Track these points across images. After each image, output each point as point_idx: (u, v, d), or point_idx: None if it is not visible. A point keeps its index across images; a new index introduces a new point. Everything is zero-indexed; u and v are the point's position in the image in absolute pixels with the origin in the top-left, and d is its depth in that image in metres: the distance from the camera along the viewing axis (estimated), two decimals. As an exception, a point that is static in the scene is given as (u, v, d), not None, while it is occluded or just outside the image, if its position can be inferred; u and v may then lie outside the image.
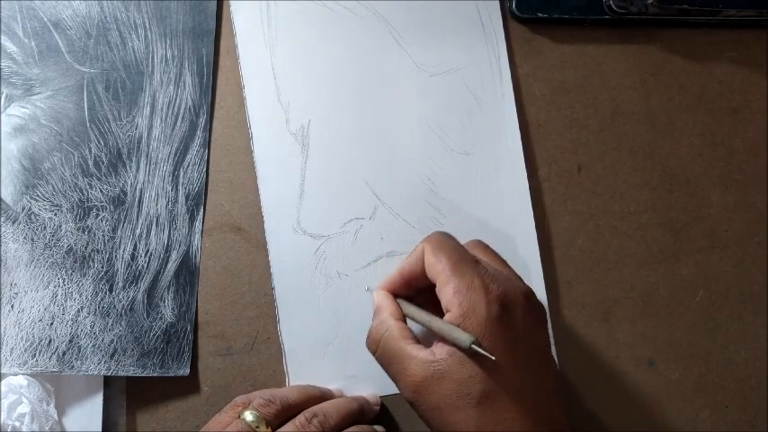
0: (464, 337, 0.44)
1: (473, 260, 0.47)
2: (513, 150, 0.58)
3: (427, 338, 0.47)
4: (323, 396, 0.52)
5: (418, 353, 0.46)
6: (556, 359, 0.56)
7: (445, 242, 0.48)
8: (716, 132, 0.61)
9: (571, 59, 0.60)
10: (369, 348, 0.49)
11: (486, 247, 0.52)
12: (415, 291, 0.50)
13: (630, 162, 0.59)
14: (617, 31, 0.61)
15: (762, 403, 0.58)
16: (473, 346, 0.43)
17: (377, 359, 0.49)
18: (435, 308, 0.48)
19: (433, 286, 0.48)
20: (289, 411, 0.49)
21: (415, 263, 0.49)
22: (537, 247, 0.57)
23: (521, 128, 0.58)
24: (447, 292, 0.46)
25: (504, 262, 0.51)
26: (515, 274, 0.50)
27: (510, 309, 0.45)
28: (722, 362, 0.58)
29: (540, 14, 0.59)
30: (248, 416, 0.47)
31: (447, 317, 0.45)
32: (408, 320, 0.49)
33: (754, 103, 0.61)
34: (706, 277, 0.59)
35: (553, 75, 0.60)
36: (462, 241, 0.50)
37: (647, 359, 0.57)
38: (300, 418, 0.48)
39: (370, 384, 0.54)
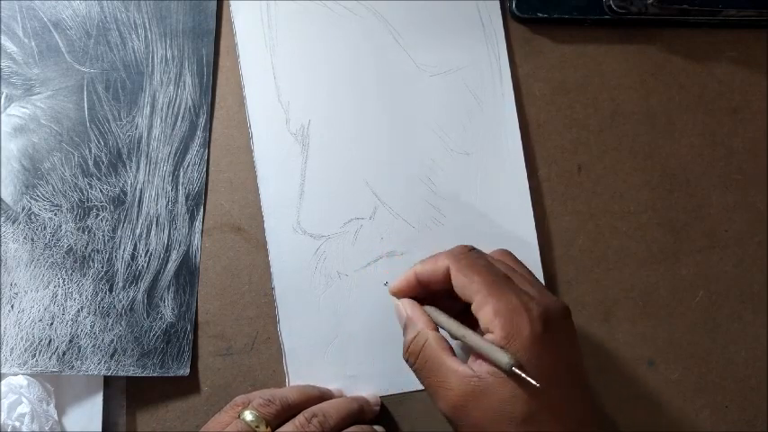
0: (505, 360, 0.43)
1: (506, 278, 0.47)
2: (514, 150, 0.58)
3: (456, 347, 0.47)
4: (323, 396, 0.52)
5: (458, 367, 0.45)
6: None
7: (474, 260, 0.48)
8: (716, 132, 0.61)
9: (571, 59, 0.60)
10: (407, 361, 0.48)
11: (514, 258, 0.51)
12: (429, 294, 0.50)
13: (630, 162, 0.59)
14: (617, 31, 0.61)
15: (762, 403, 0.58)
16: (514, 369, 0.42)
17: (415, 371, 0.48)
18: (450, 314, 0.47)
19: (443, 293, 0.47)
20: (288, 411, 0.49)
21: (438, 273, 0.48)
22: (537, 248, 0.57)
23: (521, 128, 0.58)
24: (487, 313, 0.45)
25: (530, 272, 0.50)
26: (545, 288, 0.49)
27: (552, 327, 0.44)
28: (722, 362, 0.58)
29: (540, 14, 0.59)
30: (248, 416, 0.47)
31: (489, 337, 0.44)
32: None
33: (754, 103, 0.61)
34: (706, 277, 0.59)
35: (553, 75, 0.60)
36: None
37: (647, 359, 0.57)
38: (300, 418, 0.48)
39: (370, 384, 0.54)
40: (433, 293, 0.49)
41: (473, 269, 0.47)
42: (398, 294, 0.50)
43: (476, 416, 0.44)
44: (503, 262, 0.49)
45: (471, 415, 0.44)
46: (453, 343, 0.47)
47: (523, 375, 0.42)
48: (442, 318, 0.48)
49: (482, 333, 0.45)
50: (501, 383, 0.43)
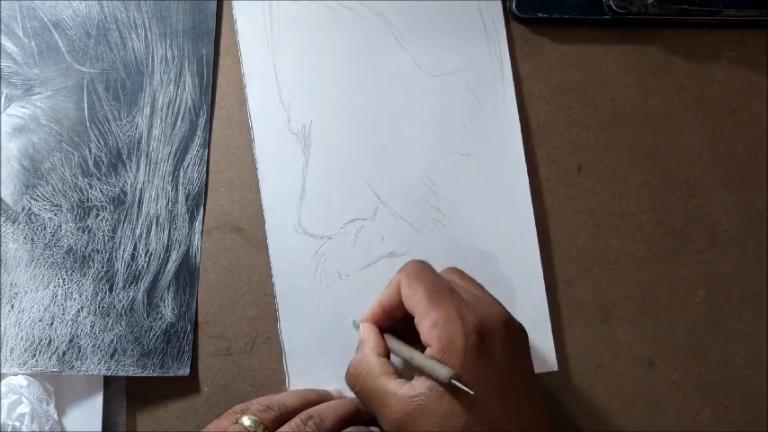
0: (443, 372, 0.43)
1: (449, 289, 0.47)
2: (515, 151, 0.58)
3: (412, 370, 0.47)
4: (321, 399, 0.52)
5: (398, 389, 0.45)
6: (555, 361, 0.56)
7: (421, 273, 0.48)
8: (716, 132, 0.61)
9: (571, 59, 0.60)
10: (348, 384, 0.49)
11: (461, 273, 0.51)
12: (398, 322, 0.50)
13: (630, 162, 0.59)
14: (617, 31, 0.61)
15: (762, 403, 0.58)
16: (452, 380, 0.43)
17: (357, 395, 0.48)
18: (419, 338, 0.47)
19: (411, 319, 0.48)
20: (287, 416, 0.49)
21: (393, 294, 0.49)
22: (537, 248, 0.57)
23: (521, 128, 0.58)
24: (425, 325, 0.46)
25: (480, 286, 0.51)
26: (493, 299, 0.49)
27: (488, 338, 0.45)
28: (722, 362, 0.58)
29: (540, 14, 0.59)
30: (246, 420, 0.47)
31: (427, 351, 0.45)
32: (396, 356, 0.49)
33: (754, 103, 0.61)
34: (706, 277, 0.59)
35: (553, 75, 0.60)
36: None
37: (647, 359, 0.57)
38: (296, 420, 0.48)
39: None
40: (403, 322, 0.49)
41: (418, 281, 0.47)
42: (367, 321, 0.51)
43: None
44: (452, 278, 0.50)
45: None
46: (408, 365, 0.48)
47: (459, 385, 0.43)
48: (394, 343, 0.49)
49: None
50: (440, 399, 0.44)
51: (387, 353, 0.49)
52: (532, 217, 0.57)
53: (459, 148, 0.58)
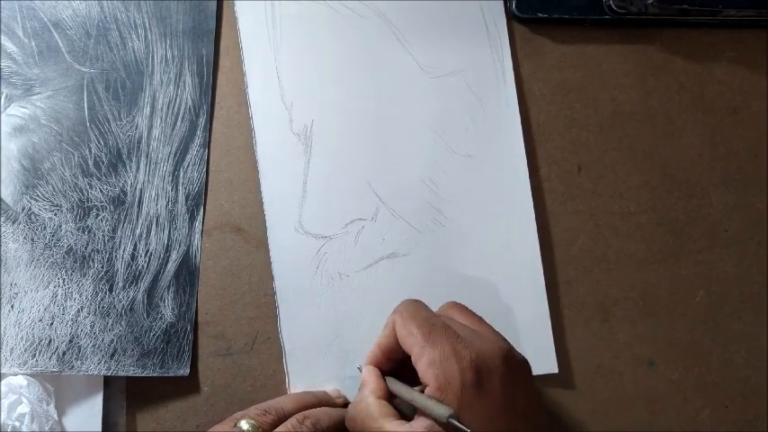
0: (441, 411, 0.43)
1: (444, 326, 0.47)
2: (516, 152, 0.58)
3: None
4: (318, 402, 0.52)
5: (397, 429, 0.45)
6: (555, 362, 0.56)
7: (415, 312, 0.48)
8: (716, 132, 0.61)
9: (571, 59, 0.60)
10: (347, 427, 0.49)
11: (461, 308, 0.51)
12: (400, 362, 0.50)
13: (630, 162, 0.59)
14: (617, 31, 0.61)
15: (762, 403, 0.58)
16: (450, 419, 0.43)
17: None
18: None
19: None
20: (284, 419, 0.49)
21: (389, 336, 0.49)
22: (538, 249, 0.57)
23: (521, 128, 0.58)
24: (422, 365, 0.45)
25: (480, 320, 0.50)
26: (492, 332, 0.49)
27: (485, 373, 0.45)
28: (722, 362, 0.58)
29: (540, 14, 0.59)
30: (244, 424, 0.47)
31: (426, 390, 0.45)
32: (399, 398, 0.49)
33: (754, 103, 0.61)
34: (706, 277, 0.59)
35: (553, 75, 0.60)
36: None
37: (647, 359, 0.57)
38: (292, 421, 0.48)
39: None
40: (404, 363, 0.49)
41: (413, 321, 0.47)
42: (368, 365, 0.51)
43: None
44: (449, 314, 0.50)
45: None
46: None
47: (457, 424, 0.43)
48: (396, 386, 0.49)
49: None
50: None
51: (386, 395, 0.49)
52: (533, 218, 0.57)
53: (461, 148, 0.58)
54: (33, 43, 0.55)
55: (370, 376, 0.49)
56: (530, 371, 0.49)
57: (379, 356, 0.50)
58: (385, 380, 0.49)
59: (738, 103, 0.61)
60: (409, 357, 0.48)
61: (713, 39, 0.62)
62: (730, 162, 0.60)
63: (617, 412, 0.57)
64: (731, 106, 0.61)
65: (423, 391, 0.46)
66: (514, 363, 0.47)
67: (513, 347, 0.48)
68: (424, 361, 0.45)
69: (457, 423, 0.43)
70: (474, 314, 0.51)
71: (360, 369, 0.51)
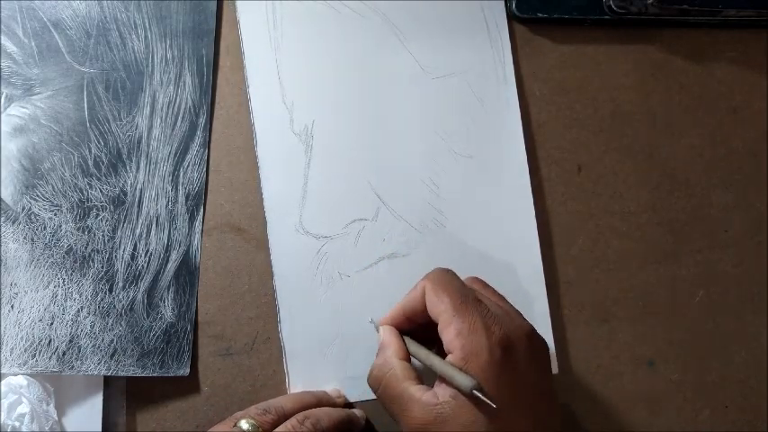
0: (466, 382, 0.43)
1: (475, 300, 0.47)
2: (517, 153, 0.58)
3: (431, 374, 0.47)
4: (319, 401, 0.52)
5: (421, 395, 0.45)
6: (556, 362, 0.56)
7: (447, 281, 0.48)
8: (716, 132, 0.61)
9: (571, 59, 0.60)
10: (370, 386, 0.49)
11: (484, 284, 0.52)
12: (418, 326, 0.50)
13: (630, 162, 0.59)
14: (617, 31, 0.61)
15: (762, 403, 0.58)
16: (474, 391, 0.43)
17: (378, 397, 0.49)
18: (439, 344, 0.47)
19: (433, 325, 0.48)
20: (284, 419, 0.49)
21: (416, 300, 0.49)
22: (539, 250, 0.57)
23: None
24: (449, 334, 0.46)
25: (502, 297, 0.51)
26: (516, 311, 0.49)
27: (512, 351, 0.45)
28: (722, 362, 0.58)
29: (540, 14, 0.59)
30: (244, 424, 0.47)
31: (449, 358, 0.45)
32: (413, 358, 0.49)
33: (754, 103, 0.61)
34: (706, 277, 0.59)
35: (553, 75, 0.60)
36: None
37: (647, 359, 0.57)
38: (292, 421, 0.48)
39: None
40: (423, 327, 0.49)
41: (445, 289, 0.47)
42: (387, 324, 0.51)
43: None
44: (475, 288, 0.50)
45: None
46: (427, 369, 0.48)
47: (482, 397, 0.43)
48: (413, 347, 0.49)
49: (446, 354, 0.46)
50: (462, 408, 0.44)
51: (408, 357, 0.49)
52: (534, 219, 0.57)
53: (461, 149, 0.57)
54: (33, 43, 0.55)
55: (392, 337, 0.50)
56: (549, 353, 0.49)
57: (401, 318, 0.50)
58: (403, 340, 0.49)
59: (738, 103, 0.61)
60: (427, 323, 0.48)
61: (713, 39, 0.62)
62: (730, 162, 0.60)
63: (617, 412, 0.57)
64: (731, 106, 0.61)
65: (443, 358, 0.46)
66: (538, 343, 0.48)
67: (535, 328, 0.48)
68: (452, 330, 0.45)
69: (480, 395, 0.43)
70: (497, 291, 0.51)
71: (373, 323, 0.51)
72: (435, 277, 0.49)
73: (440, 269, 0.50)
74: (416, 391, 0.46)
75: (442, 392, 0.45)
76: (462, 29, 0.59)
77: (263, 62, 0.57)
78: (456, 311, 0.46)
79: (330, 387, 0.54)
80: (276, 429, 0.48)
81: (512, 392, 0.45)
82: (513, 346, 0.45)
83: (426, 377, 0.47)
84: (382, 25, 0.58)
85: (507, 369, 0.45)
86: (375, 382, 0.48)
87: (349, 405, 0.55)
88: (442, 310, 0.47)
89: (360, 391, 0.54)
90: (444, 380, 0.45)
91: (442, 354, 0.47)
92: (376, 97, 0.57)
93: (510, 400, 0.44)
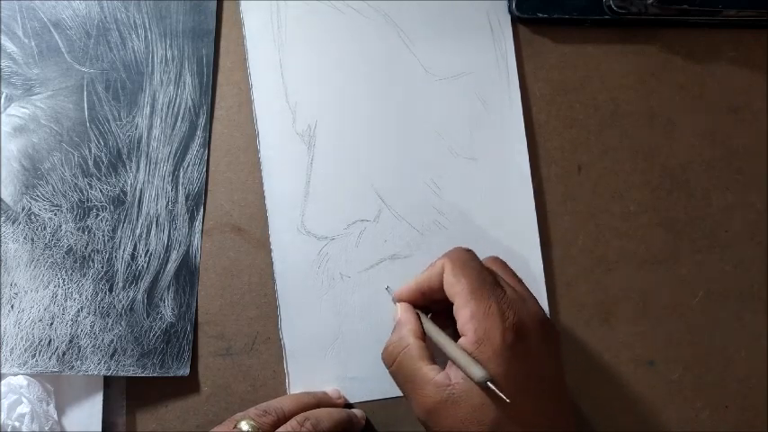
0: (478, 373, 0.43)
1: (492, 283, 0.47)
2: (519, 155, 0.58)
3: (443, 352, 0.47)
4: (318, 402, 0.52)
5: (434, 375, 0.46)
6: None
7: (467, 262, 0.48)
8: (716, 132, 0.61)
9: (571, 59, 0.60)
10: (384, 362, 0.49)
11: (504, 265, 0.51)
12: (433, 302, 0.50)
13: (630, 162, 0.59)
14: (617, 31, 0.61)
15: (762, 403, 0.58)
16: (489, 383, 0.43)
17: (391, 374, 0.49)
18: (453, 322, 0.47)
19: (449, 303, 0.48)
20: (284, 420, 0.49)
21: (434, 277, 0.49)
22: (540, 252, 0.57)
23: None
24: (464, 316, 0.46)
25: (520, 281, 0.50)
26: (531, 296, 0.49)
27: (525, 338, 0.45)
28: (722, 362, 0.58)
29: (540, 15, 0.59)
30: (244, 425, 0.47)
31: (461, 341, 0.45)
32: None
33: (754, 103, 0.61)
34: (706, 277, 0.59)
35: (553, 75, 0.60)
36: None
37: (647, 359, 0.57)
38: (292, 422, 0.48)
39: (371, 386, 0.54)
40: (438, 303, 0.50)
41: (463, 271, 0.47)
42: (401, 300, 0.51)
43: (448, 423, 0.45)
44: (493, 270, 0.50)
45: (443, 421, 0.45)
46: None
47: (495, 389, 0.43)
48: (431, 327, 0.49)
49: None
50: (473, 391, 0.44)
51: (424, 336, 0.49)
52: (535, 221, 0.57)
53: (464, 151, 0.57)
54: (33, 43, 0.55)
55: (409, 315, 0.50)
56: (560, 340, 0.49)
57: (417, 295, 0.50)
58: (420, 318, 0.50)
59: (738, 103, 0.61)
60: (442, 300, 0.48)
61: (713, 39, 0.61)
62: (730, 162, 0.60)
63: (617, 412, 0.57)
64: (731, 106, 0.61)
65: (451, 337, 0.46)
66: (550, 330, 0.48)
67: (548, 317, 0.48)
68: (467, 312, 0.46)
69: (493, 387, 0.43)
70: (515, 273, 0.51)
71: (389, 291, 0.52)
72: (455, 257, 0.49)
73: (460, 248, 0.50)
74: (429, 371, 0.46)
75: (454, 374, 0.45)
76: (466, 30, 0.59)
77: (266, 62, 0.57)
78: (472, 294, 0.46)
79: (330, 388, 0.54)
80: (277, 430, 0.48)
81: (523, 378, 0.45)
82: (526, 332, 0.45)
83: (439, 356, 0.47)
84: (386, 26, 0.58)
85: (519, 354, 0.45)
86: (390, 357, 0.48)
87: (348, 406, 0.55)
88: (458, 292, 0.47)
89: (360, 392, 0.54)
90: (456, 363, 0.45)
91: (455, 333, 0.47)
92: (379, 98, 0.57)
93: (521, 386, 0.44)
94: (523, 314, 0.46)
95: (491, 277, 0.48)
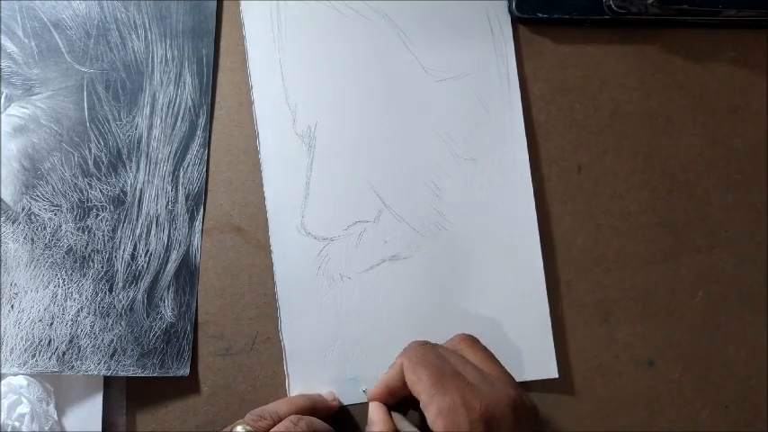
0: None
1: (453, 374, 0.47)
2: (519, 156, 0.58)
3: None
4: (313, 404, 0.52)
5: None
6: (555, 371, 0.56)
7: (423, 357, 0.48)
8: (716, 132, 0.61)
9: (571, 59, 0.60)
10: None
11: (473, 342, 0.51)
12: (405, 398, 0.50)
13: (630, 162, 0.59)
14: (617, 31, 0.61)
15: (762, 403, 0.58)
16: None
17: None
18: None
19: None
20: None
21: (395, 376, 0.49)
22: (540, 252, 0.57)
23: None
24: (431, 412, 0.45)
25: (491, 358, 0.50)
26: (503, 376, 0.49)
27: (495, 424, 0.45)
28: (722, 362, 0.58)
29: (540, 15, 0.59)
30: (241, 430, 0.47)
31: None
32: None
33: (754, 103, 0.61)
34: (706, 277, 0.59)
35: (553, 75, 0.60)
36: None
37: (647, 359, 0.57)
38: (286, 422, 0.48)
39: (371, 386, 0.54)
40: (411, 398, 0.49)
41: (422, 366, 0.47)
42: (371, 400, 0.51)
43: None
44: (456, 352, 0.50)
45: None
46: None
47: None
48: (403, 424, 0.49)
49: None
50: None
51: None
52: (536, 222, 0.57)
53: (464, 152, 0.57)
54: (33, 43, 0.55)
55: (379, 414, 0.50)
56: (538, 418, 0.49)
57: (386, 394, 0.50)
58: (392, 416, 0.50)
59: (738, 103, 0.61)
60: (413, 396, 0.48)
61: (713, 39, 0.62)
62: (730, 162, 0.60)
63: (617, 412, 0.57)
64: (731, 106, 0.61)
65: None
66: (524, 412, 0.47)
67: (522, 393, 0.48)
68: (433, 409, 0.45)
69: None
70: (485, 350, 0.51)
71: (365, 393, 0.52)
72: (411, 353, 0.49)
73: (416, 343, 0.50)
74: None
75: None
76: (466, 30, 0.59)
77: (266, 63, 0.57)
78: (435, 389, 0.46)
79: (326, 390, 0.54)
80: (272, 430, 0.48)
81: None
82: (494, 420, 0.45)
83: None
84: (386, 27, 0.58)
85: None
86: None
87: (345, 408, 0.54)
88: (421, 390, 0.46)
89: (358, 395, 0.54)
90: None
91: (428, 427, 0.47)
92: (379, 99, 0.57)
93: None
94: (491, 400, 0.46)
95: (450, 367, 0.48)
